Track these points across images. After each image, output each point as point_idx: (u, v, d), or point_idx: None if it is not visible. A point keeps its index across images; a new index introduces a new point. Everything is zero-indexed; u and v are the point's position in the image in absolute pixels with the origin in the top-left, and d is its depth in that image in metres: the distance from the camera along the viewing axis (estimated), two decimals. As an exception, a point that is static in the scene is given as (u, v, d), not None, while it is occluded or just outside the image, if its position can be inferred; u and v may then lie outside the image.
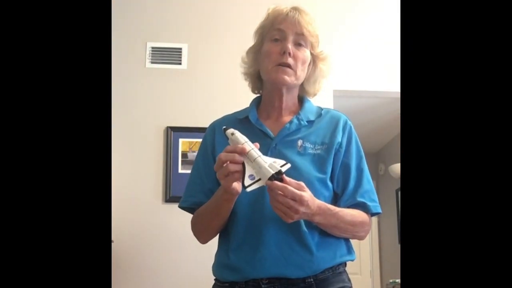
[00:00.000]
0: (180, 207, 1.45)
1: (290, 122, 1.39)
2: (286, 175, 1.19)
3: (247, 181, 1.16)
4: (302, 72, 1.40)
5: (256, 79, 1.48)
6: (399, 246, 4.91)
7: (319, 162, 1.35)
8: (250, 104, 1.48)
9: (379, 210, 1.39)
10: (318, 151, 1.36)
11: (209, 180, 1.39)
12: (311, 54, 1.42)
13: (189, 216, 1.44)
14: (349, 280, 1.37)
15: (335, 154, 1.37)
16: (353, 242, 1.42)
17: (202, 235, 1.41)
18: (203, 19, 3.19)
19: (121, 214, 2.76)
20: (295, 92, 1.45)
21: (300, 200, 1.18)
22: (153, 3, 3.19)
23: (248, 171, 1.17)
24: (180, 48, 3.13)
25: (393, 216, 5.30)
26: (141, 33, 3.13)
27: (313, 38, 1.41)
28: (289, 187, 1.17)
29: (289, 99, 1.43)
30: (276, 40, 1.39)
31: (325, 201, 1.30)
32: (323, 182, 1.34)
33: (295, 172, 1.25)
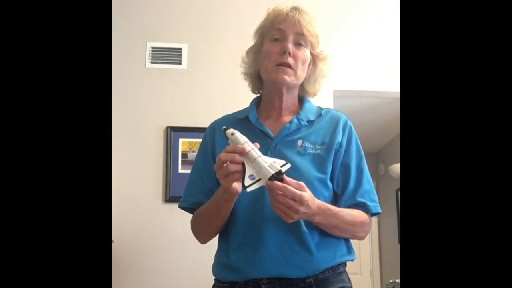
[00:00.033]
0: (180, 207, 1.45)
1: (290, 122, 1.39)
2: (286, 175, 1.19)
3: (247, 181, 1.16)
4: (302, 72, 1.40)
5: (256, 79, 1.48)
6: (399, 246, 4.91)
7: (319, 162, 1.35)
8: (250, 104, 1.48)
9: (379, 210, 1.39)
10: (318, 151, 1.36)
11: (209, 180, 1.39)
12: (311, 54, 1.42)
13: (189, 216, 1.44)
14: (349, 280, 1.37)
15: (335, 154, 1.37)
16: (353, 242, 1.42)
17: (202, 235, 1.41)
18: (203, 19, 3.19)
19: (121, 214, 2.76)
20: (295, 92, 1.45)
21: (300, 200, 1.18)
22: (153, 3, 3.19)
23: (248, 171, 1.17)
24: (180, 48, 3.13)
25: (393, 216, 5.30)
26: (141, 33, 3.13)
27: (313, 38, 1.41)
28: (289, 187, 1.17)
29: (289, 99, 1.43)
30: (276, 40, 1.39)
31: (325, 201, 1.30)
32: (323, 182, 1.34)
33: (295, 172, 1.25)
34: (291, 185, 1.18)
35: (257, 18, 1.47)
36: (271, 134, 1.38)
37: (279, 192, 1.17)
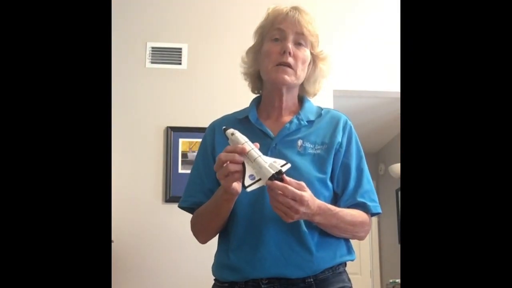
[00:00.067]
0: (179, 207, 1.45)
1: (290, 122, 1.39)
2: (286, 175, 1.18)
3: (247, 181, 1.16)
4: (302, 72, 1.40)
5: (256, 79, 1.48)
6: (399, 246, 4.91)
7: (319, 162, 1.35)
8: (250, 104, 1.48)
9: (379, 210, 1.39)
10: (318, 151, 1.36)
11: (209, 180, 1.39)
12: (311, 54, 1.42)
13: (189, 216, 1.44)
14: (349, 280, 1.37)
15: (335, 154, 1.37)
16: (353, 242, 1.42)
17: (201, 235, 1.41)
18: (203, 19, 3.19)
19: (121, 214, 2.76)
20: (295, 92, 1.45)
21: (300, 200, 1.18)
22: (153, 3, 3.19)
23: (248, 171, 1.17)
24: (180, 48, 3.13)
25: (393, 216, 5.30)
26: (141, 33, 3.13)
27: (313, 38, 1.41)
28: (289, 187, 1.17)
29: (289, 99, 1.43)
30: (276, 39, 1.39)
31: (325, 201, 1.30)
32: (323, 182, 1.34)
33: (295, 172, 1.25)
34: (292, 185, 1.18)
35: (257, 18, 1.47)
36: (271, 134, 1.38)
37: (279, 192, 1.17)
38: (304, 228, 1.30)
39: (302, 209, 1.19)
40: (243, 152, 1.17)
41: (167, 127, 2.99)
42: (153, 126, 3.00)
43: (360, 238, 1.39)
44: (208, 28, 3.18)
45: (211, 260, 1.40)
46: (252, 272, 1.28)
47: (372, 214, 1.39)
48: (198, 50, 3.14)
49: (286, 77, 1.36)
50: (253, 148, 1.18)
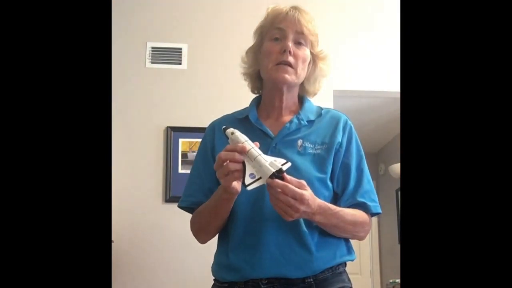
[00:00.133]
0: (179, 206, 1.45)
1: (290, 121, 1.39)
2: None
3: (248, 180, 1.15)
4: (302, 71, 1.40)
5: (256, 79, 1.48)
6: (399, 246, 4.91)
7: (319, 162, 1.35)
8: (250, 104, 1.48)
9: (379, 210, 1.39)
10: (318, 151, 1.36)
11: (208, 180, 1.38)
12: (311, 53, 1.42)
13: (189, 216, 1.44)
14: (349, 280, 1.37)
15: (335, 154, 1.37)
16: (353, 242, 1.42)
17: (201, 235, 1.41)
18: (203, 19, 3.19)
19: (121, 214, 2.76)
20: (295, 92, 1.45)
21: (300, 199, 1.17)
22: (153, 3, 3.19)
23: (249, 170, 1.16)
24: (180, 48, 3.13)
25: (393, 216, 5.30)
26: (141, 33, 3.13)
27: (313, 37, 1.41)
28: (289, 185, 1.17)
29: (289, 99, 1.43)
30: (276, 39, 1.39)
31: (325, 201, 1.30)
32: (323, 182, 1.33)
33: (295, 171, 1.25)
34: (292, 183, 1.17)
35: (257, 18, 1.47)
36: (271, 133, 1.38)
37: (280, 190, 1.16)
38: (304, 228, 1.30)
39: (303, 207, 1.18)
40: (243, 151, 1.17)
41: (167, 127, 2.99)
42: (153, 126, 3.00)
43: (360, 238, 1.39)
44: (208, 28, 3.18)
45: (211, 260, 1.40)
46: (251, 272, 1.28)
47: (372, 214, 1.39)
48: (198, 50, 3.14)
49: (287, 76, 1.36)
50: (253, 147, 1.18)
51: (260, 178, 1.16)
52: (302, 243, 1.29)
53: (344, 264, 1.37)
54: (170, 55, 3.11)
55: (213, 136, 1.43)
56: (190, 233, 1.43)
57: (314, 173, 1.32)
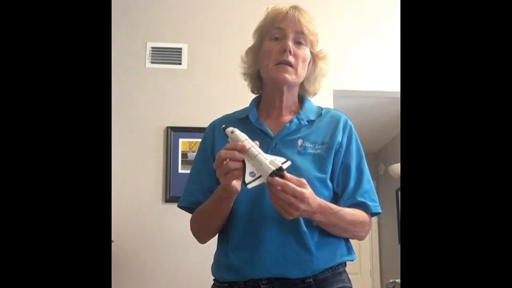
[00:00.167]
0: (179, 206, 1.45)
1: (290, 121, 1.39)
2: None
3: (248, 178, 1.15)
4: (302, 71, 1.40)
5: (256, 79, 1.48)
6: (399, 246, 4.91)
7: (319, 161, 1.35)
8: (250, 104, 1.48)
9: (379, 210, 1.39)
10: (318, 151, 1.36)
11: (208, 180, 1.38)
12: (311, 53, 1.42)
13: (189, 216, 1.44)
14: (349, 280, 1.37)
15: (335, 154, 1.37)
16: (353, 242, 1.41)
17: (201, 235, 1.41)
18: (203, 19, 3.19)
19: (121, 214, 2.76)
20: (296, 91, 1.45)
21: (300, 197, 1.17)
22: (153, 3, 3.19)
23: (249, 168, 1.16)
24: (180, 48, 3.13)
25: (393, 216, 5.30)
26: (141, 33, 3.13)
27: (313, 37, 1.41)
28: (290, 183, 1.16)
29: (290, 98, 1.43)
30: (276, 39, 1.39)
31: (325, 200, 1.30)
32: (323, 181, 1.33)
33: (295, 171, 1.25)
34: (292, 181, 1.17)
35: (257, 18, 1.47)
36: (271, 133, 1.38)
37: (280, 188, 1.16)
38: (304, 228, 1.29)
39: (303, 206, 1.18)
40: (243, 150, 1.16)
41: (167, 127, 2.99)
42: (153, 126, 3.00)
43: (360, 238, 1.39)
44: (208, 28, 3.18)
45: (211, 260, 1.40)
46: (251, 272, 1.28)
47: (372, 214, 1.39)
48: (198, 50, 3.14)
49: (287, 75, 1.36)
50: (253, 146, 1.18)
51: (260, 176, 1.16)
52: (302, 243, 1.29)
53: (344, 264, 1.37)
54: (170, 55, 3.11)
55: (213, 135, 1.43)
56: (190, 233, 1.43)
57: (314, 173, 1.32)
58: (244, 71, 1.49)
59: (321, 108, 1.46)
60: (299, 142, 1.37)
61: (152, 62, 3.09)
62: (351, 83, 3.22)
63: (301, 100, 1.47)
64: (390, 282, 4.34)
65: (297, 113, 1.42)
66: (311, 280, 1.28)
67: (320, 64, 1.44)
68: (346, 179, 1.37)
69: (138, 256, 2.82)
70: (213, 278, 1.39)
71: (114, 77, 2.62)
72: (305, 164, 1.33)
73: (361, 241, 1.51)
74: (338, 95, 3.15)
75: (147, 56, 3.09)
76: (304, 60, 1.39)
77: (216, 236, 1.41)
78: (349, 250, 1.38)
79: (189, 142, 2.97)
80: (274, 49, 1.37)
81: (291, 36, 1.37)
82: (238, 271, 1.30)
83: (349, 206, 1.35)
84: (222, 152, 1.17)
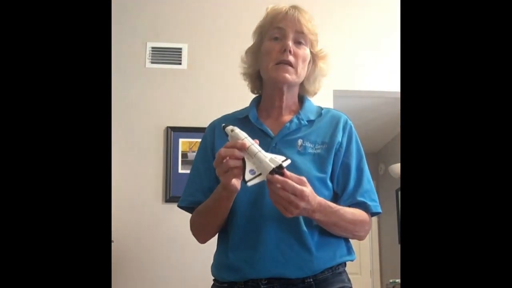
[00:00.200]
0: (179, 206, 1.45)
1: (290, 121, 1.39)
2: None
3: (248, 176, 1.15)
4: (302, 70, 1.40)
5: (256, 79, 1.48)
6: (399, 246, 4.91)
7: (319, 161, 1.34)
8: (250, 104, 1.48)
9: (379, 210, 1.38)
10: (318, 151, 1.36)
11: (208, 179, 1.38)
12: (311, 52, 1.42)
13: (189, 216, 1.44)
14: (349, 280, 1.37)
15: (335, 154, 1.37)
16: (353, 242, 1.41)
17: (201, 234, 1.41)
18: (203, 19, 3.19)
19: (121, 214, 2.76)
20: (295, 91, 1.45)
21: (300, 195, 1.17)
22: (153, 3, 3.19)
23: (249, 166, 1.15)
24: (180, 48, 3.13)
25: (393, 216, 5.30)
26: (141, 33, 3.13)
27: (313, 36, 1.41)
28: (290, 181, 1.16)
29: (290, 98, 1.43)
30: (276, 38, 1.39)
31: (325, 200, 1.30)
32: (323, 181, 1.33)
33: (295, 171, 1.25)
34: (292, 179, 1.17)
35: (257, 18, 1.47)
36: (271, 133, 1.38)
37: (279, 186, 1.16)
38: (304, 227, 1.29)
39: (302, 204, 1.18)
40: (243, 148, 1.16)
41: (167, 127, 2.99)
42: (153, 126, 3.00)
43: (360, 238, 1.39)
44: (208, 28, 3.18)
45: (211, 260, 1.40)
46: (251, 272, 1.28)
47: (372, 214, 1.39)
48: (198, 50, 3.14)
49: (287, 75, 1.36)
50: (253, 144, 1.17)
51: (260, 174, 1.15)
52: (302, 243, 1.29)
53: (344, 264, 1.37)
54: (170, 55, 3.11)
55: (213, 135, 1.43)
56: (190, 233, 1.43)
57: (314, 172, 1.32)
58: (244, 71, 1.49)
59: (321, 108, 1.46)
60: (299, 142, 1.36)
61: (152, 62, 3.10)
62: (351, 83, 3.23)
63: (301, 100, 1.47)
64: (390, 282, 4.35)
65: (297, 113, 1.42)
66: (311, 280, 1.28)
67: (320, 63, 1.44)
68: (346, 178, 1.37)
69: (138, 256, 2.82)
70: (213, 278, 1.39)
71: (114, 77, 2.62)
72: (305, 164, 1.32)
73: (361, 241, 1.51)
74: (338, 95, 3.15)
75: (147, 56, 3.10)
76: (304, 60, 1.39)
77: (216, 236, 1.41)
78: (349, 250, 1.38)
79: (189, 142, 2.97)
80: (274, 49, 1.37)
81: (291, 35, 1.37)
82: (238, 271, 1.29)
83: (349, 206, 1.35)
84: (222, 150, 1.17)
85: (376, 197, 1.40)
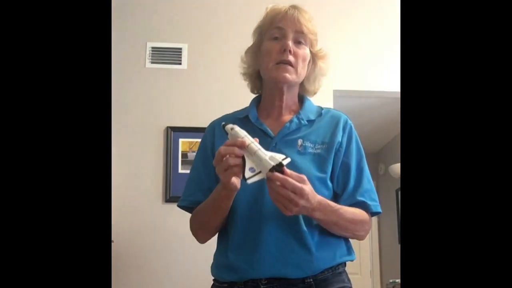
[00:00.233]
0: (179, 206, 1.45)
1: (290, 121, 1.39)
2: None
3: (248, 174, 1.14)
4: (302, 70, 1.40)
5: (256, 79, 1.48)
6: (399, 246, 4.91)
7: (319, 161, 1.34)
8: (250, 104, 1.48)
9: (379, 210, 1.38)
10: (318, 151, 1.36)
11: (208, 179, 1.38)
12: (311, 52, 1.42)
13: (189, 215, 1.44)
14: (349, 280, 1.37)
15: (335, 154, 1.37)
16: (353, 242, 1.41)
17: (200, 234, 1.41)
18: (203, 19, 3.19)
19: (121, 214, 2.76)
20: (295, 91, 1.45)
21: (300, 193, 1.17)
22: (153, 3, 3.19)
23: (248, 164, 1.15)
24: (180, 48, 3.13)
25: (393, 216, 5.30)
26: (141, 33, 3.13)
27: (313, 36, 1.41)
28: (289, 179, 1.16)
29: (290, 98, 1.43)
30: (275, 38, 1.39)
31: (325, 199, 1.30)
32: (323, 181, 1.33)
33: (295, 171, 1.24)
34: (292, 177, 1.16)
35: (257, 18, 1.47)
36: (271, 133, 1.38)
37: (279, 184, 1.15)
38: (304, 227, 1.29)
39: (302, 202, 1.18)
40: (242, 146, 1.16)
41: (167, 127, 2.99)
42: (153, 126, 3.00)
43: (360, 238, 1.39)
44: (208, 28, 3.18)
45: (211, 260, 1.40)
46: (251, 272, 1.28)
47: (372, 214, 1.39)
48: (198, 50, 3.14)
49: (287, 75, 1.36)
50: (252, 142, 1.17)
51: (260, 172, 1.15)
52: (302, 243, 1.29)
53: (344, 264, 1.37)
54: (170, 55, 3.11)
55: (213, 135, 1.43)
56: (190, 233, 1.43)
57: (314, 172, 1.32)
58: (244, 71, 1.49)
59: (321, 108, 1.46)
60: (299, 141, 1.36)
61: (152, 62, 3.09)
62: (351, 83, 3.22)
63: (301, 99, 1.47)
64: (390, 282, 4.34)
65: (297, 112, 1.42)
66: (311, 280, 1.28)
67: (320, 63, 1.45)
68: (346, 178, 1.37)
69: (138, 256, 2.82)
70: (213, 278, 1.39)
71: (114, 77, 2.62)
72: (305, 163, 1.32)
73: (361, 241, 1.51)
74: (338, 95, 3.15)
75: (147, 56, 3.09)
76: (304, 60, 1.39)
77: (216, 236, 1.41)
78: (349, 250, 1.38)
79: (189, 142, 2.97)
80: (274, 48, 1.37)
81: (290, 35, 1.37)
82: (238, 271, 1.29)
83: (349, 206, 1.35)
84: (222, 149, 1.17)
85: (376, 196, 1.40)
